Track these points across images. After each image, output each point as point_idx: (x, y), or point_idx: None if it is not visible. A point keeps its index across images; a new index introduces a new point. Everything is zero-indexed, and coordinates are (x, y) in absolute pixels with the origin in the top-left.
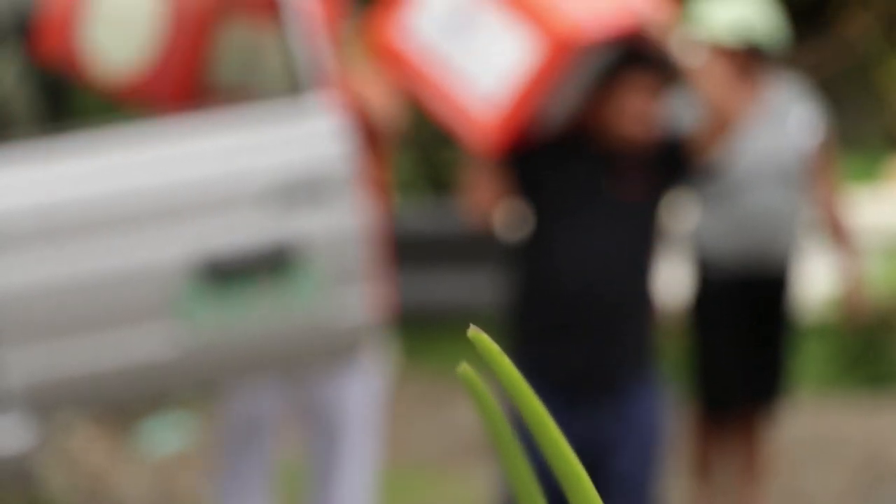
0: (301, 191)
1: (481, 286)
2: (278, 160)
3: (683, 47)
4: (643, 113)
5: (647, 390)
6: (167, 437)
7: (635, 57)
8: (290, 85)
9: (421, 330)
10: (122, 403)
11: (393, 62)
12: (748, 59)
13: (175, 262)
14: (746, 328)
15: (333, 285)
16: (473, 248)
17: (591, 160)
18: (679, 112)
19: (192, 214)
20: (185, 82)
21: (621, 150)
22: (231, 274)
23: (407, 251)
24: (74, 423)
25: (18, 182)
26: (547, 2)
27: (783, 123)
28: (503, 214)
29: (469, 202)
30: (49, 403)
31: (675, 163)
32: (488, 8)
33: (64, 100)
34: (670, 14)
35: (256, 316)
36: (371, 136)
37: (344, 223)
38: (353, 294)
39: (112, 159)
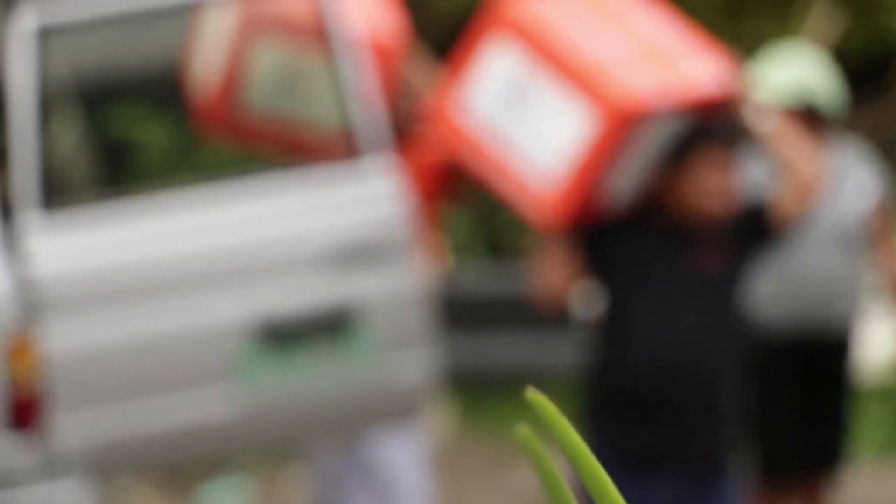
0: (359, 253)
1: (540, 348)
2: (337, 223)
3: (756, 112)
4: (722, 188)
5: (729, 481)
6: (226, 500)
7: (709, 128)
8: (349, 148)
9: (478, 392)
10: (181, 466)
11: (452, 137)
12: (806, 121)
13: (234, 324)
14: (806, 392)
15: (391, 347)
16: (531, 310)
17: (668, 235)
18: (755, 178)
19: (252, 277)
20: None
21: (699, 224)
22: (290, 336)
23: (464, 313)
24: (133, 487)
25: (79, 246)
26: (604, 73)
27: (842, 186)
28: (576, 294)
29: (540, 283)
30: (108, 467)
31: (756, 233)
32: (544, 80)
33: (124, 164)
34: (739, 79)
35: (315, 378)
36: (428, 195)
37: (402, 285)
38: (411, 356)
39: (171, 223)
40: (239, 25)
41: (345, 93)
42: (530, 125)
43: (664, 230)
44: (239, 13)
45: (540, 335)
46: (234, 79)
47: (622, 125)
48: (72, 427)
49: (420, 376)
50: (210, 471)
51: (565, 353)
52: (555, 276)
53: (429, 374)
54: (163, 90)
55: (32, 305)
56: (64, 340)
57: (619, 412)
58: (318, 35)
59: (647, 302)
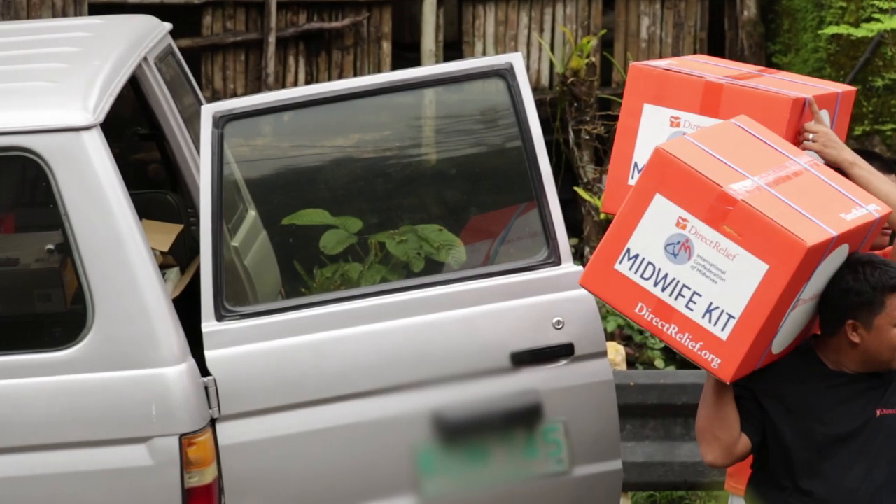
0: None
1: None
2: (525, 326)
3: None
4: None
5: None
6: None
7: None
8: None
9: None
10: None
11: (615, 288)
12: None
13: (417, 423)
14: None
15: (580, 448)
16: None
17: (842, 381)
18: None
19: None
20: None
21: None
22: (474, 434)
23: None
24: None
25: (255, 352)
26: (768, 223)
27: None
28: (745, 447)
29: (710, 438)
30: None
31: None
32: (706, 237)
33: (305, 269)
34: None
35: (499, 478)
36: None
37: (592, 385)
38: (600, 457)
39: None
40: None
41: None
42: (700, 278)
43: (835, 373)
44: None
45: None
46: None
47: (801, 260)
48: None
49: (610, 482)
50: None
51: None
52: (726, 428)
53: (618, 479)
54: (344, 198)
55: (212, 409)
56: (241, 444)
57: None
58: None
59: (834, 454)
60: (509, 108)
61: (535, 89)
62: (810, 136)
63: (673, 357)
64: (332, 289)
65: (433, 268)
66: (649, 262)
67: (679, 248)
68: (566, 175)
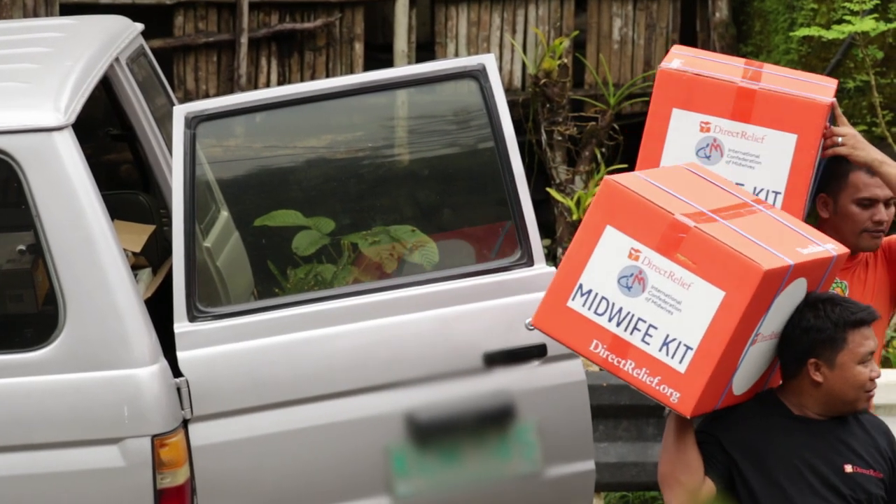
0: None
1: None
2: (496, 327)
3: None
4: (870, 382)
5: None
6: None
7: (855, 311)
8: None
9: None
10: None
11: (569, 326)
12: None
13: (390, 424)
14: None
15: (551, 447)
16: None
17: (809, 423)
18: None
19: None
20: None
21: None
22: (446, 433)
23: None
24: None
25: (228, 352)
26: (723, 249)
27: None
28: (709, 491)
29: (673, 482)
30: None
31: None
32: (659, 267)
33: (279, 269)
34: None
35: (472, 477)
36: None
37: (565, 385)
38: (573, 457)
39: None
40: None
41: None
42: (655, 310)
43: (796, 418)
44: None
45: None
46: None
47: (758, 285)
48: None
49: (583, 482)
50: None
51: None
52: (688, 470)
53: (591, 479)
54: (317, 199)
55: (184, 410)
56: (213, 445)
57: None
58: None
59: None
60: (482, 108)
61: (508, 90)
62: (839, 139)
63: None
64: (305, 289)
65: (406, 269)
66: (603, 297)
67: (632, 281)
68: (539, 176)
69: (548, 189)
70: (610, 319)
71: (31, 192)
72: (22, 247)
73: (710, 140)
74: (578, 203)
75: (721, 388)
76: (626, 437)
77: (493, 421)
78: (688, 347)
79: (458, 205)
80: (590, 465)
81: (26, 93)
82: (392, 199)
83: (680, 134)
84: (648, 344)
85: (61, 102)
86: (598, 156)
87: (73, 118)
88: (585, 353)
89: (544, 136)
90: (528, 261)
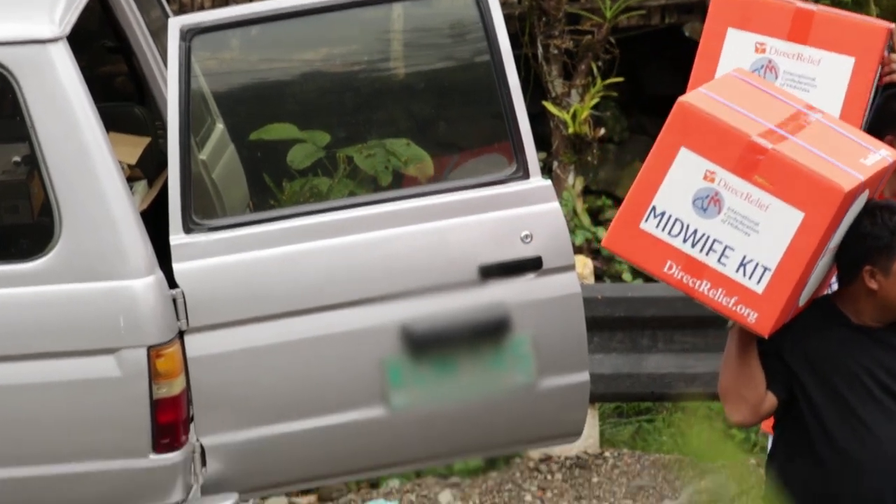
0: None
1: (694, 362)
2: (494, 238)
3: None
4: None
5: None
6: None
7: None
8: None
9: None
10: (330, 482)
11: (642, 248)
12: None
13: (386, 336)
14: None
15: (547, 360)
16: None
17: (865, 333)
18: None
19: (404, 285)
20: None
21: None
22: (441, 346)
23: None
24: None
25: (225, 264)
26: (802, 170)
27: None
28: (771, 405)
29: (736, 397)
30: (255, 484)
31: None
32: (736, 188)
33: (274, 182)
34: None
35: (466, 389)
36: None
37: (560, 298)
38: (568, 371)
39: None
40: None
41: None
42: (729, 230)
43: (859, 326)
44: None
45: (695, 346)
46: None
47: (839, 205)
48: (220, 444)
49: (577, 393)
50: (360, 489)
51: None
52: (750, 386)
53: (585, 390)
54: (313, 112)
55: (180, 321)
56: (209, 356)
57: None
58: None
59: (865, 410)
60: (478, 22)
61: (504, 3)
62: None
63: (641, 270)
64: (300, 202)
65: (402, 181)
66: (677, 219)
67: (708, 202)
68: (535, 90)
69: (544, 103)
70: (685, 241)
71: (26, 103)
72: (17, 158)
73: (764, 61)
74: (574, 116)
75: (793, 305)
76: (621, 348)
77: (489, 333)
78: (766, 268)
79: (454, 118)
80: (584, 376)
81: (21, 5)
82: (387, 112)
83: (734, 54)
84: (725, 265)
85: (56, 14)
86: (595, 69)
87: (67, 30)
88: (659, 273)
89: (540, 50)
90: (524, 174)
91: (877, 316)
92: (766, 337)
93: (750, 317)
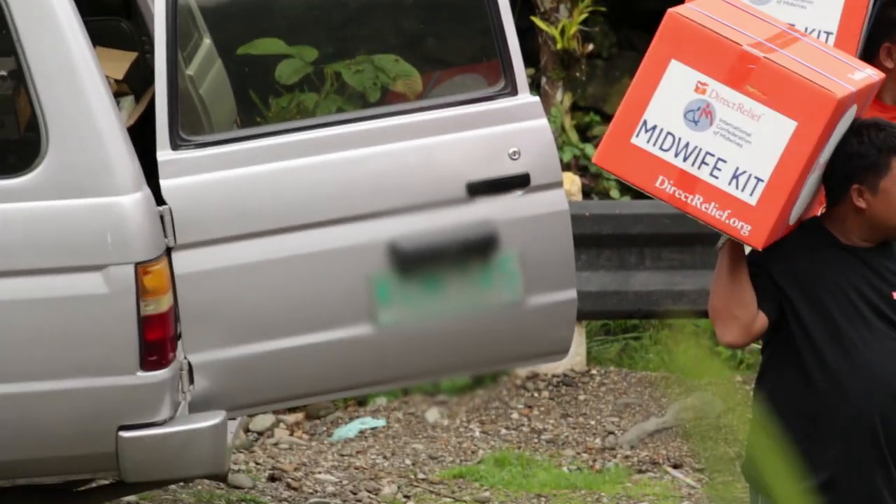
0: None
1: (682, 280)
2: (480, 155)
3: None
4: None
5: None
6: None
7: None
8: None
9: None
10: (317, 400)
11: (633, 163)
12: None
13: (373, 253)
14: None
15: (534, 278)
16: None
17: (854, 254)
18: None
19: (391, 203)
20: None
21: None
22: (428, 262)
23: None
24: (269, 422)
25: (212, 181)
26: (795, 79)
27: None
28: (762, 325)
29: (727, 317)
30: (243, 402)
31: None
32: (728, 99)
33: (261, 99)
34: None
35: (454, 307)
36: None
37: (548, 215)
38: (555, 286)
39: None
40: None
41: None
42: (721, 142)
43: (847, 246)
44: None
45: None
46: None
47: (832, 113)
48: (207, 361)
49: (564, 311)
50: (345, 411)
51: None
52: (742, 304)
53: (572, 308)
54: (300, 28)
55: (167, 238)
56: (196, 273)
57: (818, 461)
58: None
59: (853, 330)
60: None
61: None
62: None
63: (629, 187)
64: (288, 118)
65: (389, 98)
66: (668, 133)
67: (700, 115)
68: (523, 5)
69: (532, 18)
70: (676, 155)
71: (11, 17)
72: (3, 72)
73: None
74: (563, 32)
75: (786, 219)
76: (608, 266)
77: (476, 250)
78: (759, 180)
79: (443, 34)
80: (571, 293)
81: None
82: (376, 27)
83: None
84: (717, 178)
85: None
86: None
87: None
88: (651, 189)
89: None
90: (513, 90)
91: (865, 235)
92: (761, 249)
93: (743, 229)
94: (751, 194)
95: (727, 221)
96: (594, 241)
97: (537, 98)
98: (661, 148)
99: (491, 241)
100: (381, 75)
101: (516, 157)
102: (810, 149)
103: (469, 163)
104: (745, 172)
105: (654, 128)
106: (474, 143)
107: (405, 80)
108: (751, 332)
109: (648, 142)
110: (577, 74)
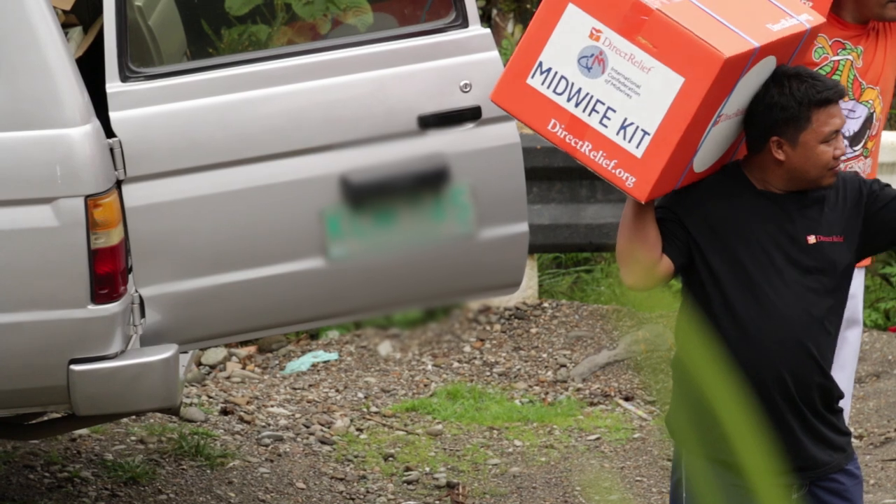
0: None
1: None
2: (434, 88)
3: None
4: (833, 161)
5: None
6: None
7: (823, 87)
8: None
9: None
10: (269, 333)
11: (527, 104)
12: None
13: (325, 186)
14: None
15: (486, 211)
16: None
17: (770, 200)
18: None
19: (343, 136)
20: None
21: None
22: (381, 197)
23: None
24: (222, 356)
25: (162, 112)
26: (684, 34)
27: None
28: (667, 269)
29: (629, 259)
30: (196, 336)
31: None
32: (620, 49)
33: (212, 30)
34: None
35: (406, 241)
36: None
37: (499, 148)
38: (507, 219)
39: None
40: None
41: None
42: (613, 91)
43: (762, 192)
44: None
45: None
46: None
47: (718, 72)
48: (159, 294)
49: (516, 244)
50: (297, 345)
51: None
52: (645, 248)
53: (524, 241)
54: None
55: (117, 171)
56: (147, 206)
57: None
58: None
59: (764, 277)
60: None
61: None
62: None
63: None
64: (239, 50)
65: (340, 30)
66: (562, 76)
67: (593, 62)
68: None
69: None
70: (569, 99)
71: None
72: None
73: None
74: None
75: (679, 172)
76: (560, 198)
77: (427, 183)
78: (645, 132)
79: None
80: (523, 226)
81: None
82: None
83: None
84: (606, 127)
85: None
86: None
87: None
88: (543, 131)
89: None
90: (463, 22)
91: (783, 184)
92: (643, 202)
93: (628, 181)
94: (637, 146)
95: (613, 171)
96: (546, 173)
97: (488, 30)
98: (554, 91)
99: (442, 174)
100: (331, 7)
101: (467, 89)
102: (695, 106)
103: (420, 95)
104: (632, 124)
105: (548, 70)
106: (425, 75)
107: (355, 10)
108: (653, 275)
109: (543, 84)
110: (528, 6)
